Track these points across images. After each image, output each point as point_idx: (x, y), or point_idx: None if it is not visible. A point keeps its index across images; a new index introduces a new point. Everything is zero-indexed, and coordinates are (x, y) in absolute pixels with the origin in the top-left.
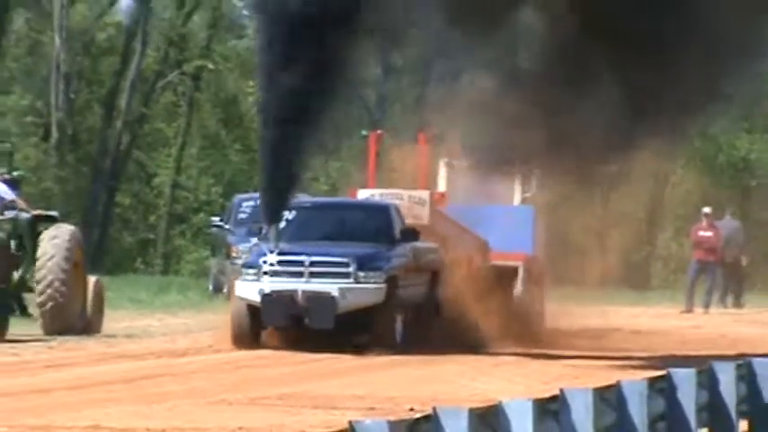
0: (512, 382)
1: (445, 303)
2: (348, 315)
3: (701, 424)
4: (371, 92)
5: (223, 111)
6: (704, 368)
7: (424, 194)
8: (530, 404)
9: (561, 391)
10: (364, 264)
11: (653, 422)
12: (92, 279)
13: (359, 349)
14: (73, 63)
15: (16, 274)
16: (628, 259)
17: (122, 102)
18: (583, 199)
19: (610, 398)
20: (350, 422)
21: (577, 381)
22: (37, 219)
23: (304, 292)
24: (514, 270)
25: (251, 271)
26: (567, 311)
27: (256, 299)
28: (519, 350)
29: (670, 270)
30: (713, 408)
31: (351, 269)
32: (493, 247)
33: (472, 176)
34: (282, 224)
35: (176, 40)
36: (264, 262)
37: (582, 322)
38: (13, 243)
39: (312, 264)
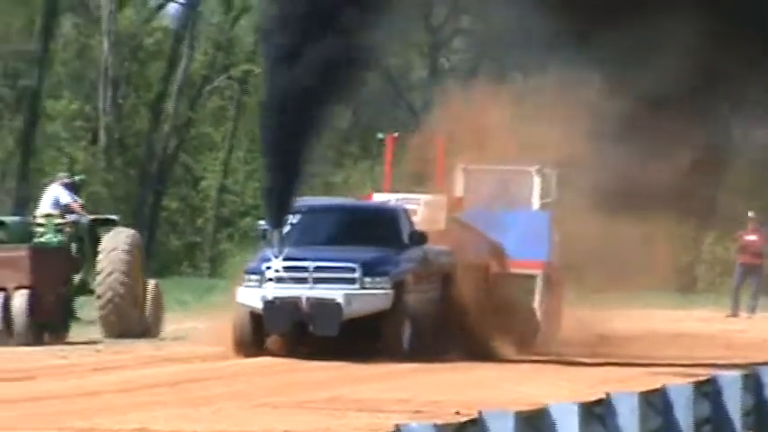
0: (557, 385)
1: (459, 309)
2: (354, 321)
3: (746, 427)
4: (417, 94)
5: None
6: (750, 372)
7: (441, 199)
8: (576, 407)
9: (607, 394)
10: (370, 269)
11: (698, 426)
12: (151, 282)
13: (366, 357)
14: (121, 67)
15: (77, 278)
16: (673, 263)
17: (170, 106)
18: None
19: (656, 402)
20: (396, 425)
21: (623, 385)
22: (96, 222)
23: (308, 298)
24: (531, 278)
25: (253, 277)
26: (606, 317)
27: (259, 305)
28: (563, 355)
29: (716, 273)
30: (759, 411)
31: (356, 275)
32: (510, 254)
33: (490, 181)
34: (287, 228)
35: (224, 44)
36: (268, 268)
37: (625, 327)
38: (73, 246)
39: (316, 269)
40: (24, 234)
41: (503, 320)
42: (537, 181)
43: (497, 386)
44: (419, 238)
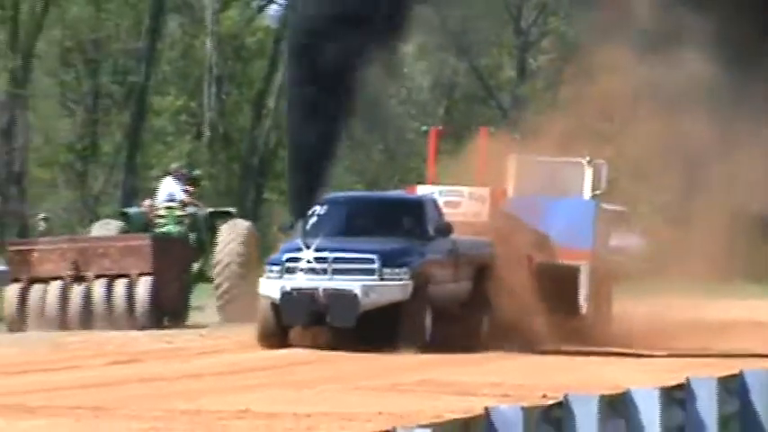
0: (639, 371)
1: (499, 300)
2: (373, 313)
3: None
4: (507, 95)
5: (366, 111)
6: None
7: (485, 191)
8: (657, 392)
9: (687, 379)
10: (389, 260)
11: None
12: None
13: (386, 347)
14: (224, 66)
15: (195, 266)
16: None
17: (271, 102)
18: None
19: (733, 387)
20: (486, 408)
21: (703, 370)
22: (214, 214)
23: (325, 290)
24: (576, 267)
25: (275, 268)
26: (680, 305)
27: (278, 297)
28: (644, 343)
29: None
30: None
31: (375, 266)
32: (556, 243)
33: (541, 172)
34: (313, 219)
35: None
36: (289, 259)
37: (698, 315)
38: (191, 237)
39: (335, 260)
40: (144, 224)
41: (546, 311)
42: (588, 172)
43: (583, 369)
44: (445, 229)
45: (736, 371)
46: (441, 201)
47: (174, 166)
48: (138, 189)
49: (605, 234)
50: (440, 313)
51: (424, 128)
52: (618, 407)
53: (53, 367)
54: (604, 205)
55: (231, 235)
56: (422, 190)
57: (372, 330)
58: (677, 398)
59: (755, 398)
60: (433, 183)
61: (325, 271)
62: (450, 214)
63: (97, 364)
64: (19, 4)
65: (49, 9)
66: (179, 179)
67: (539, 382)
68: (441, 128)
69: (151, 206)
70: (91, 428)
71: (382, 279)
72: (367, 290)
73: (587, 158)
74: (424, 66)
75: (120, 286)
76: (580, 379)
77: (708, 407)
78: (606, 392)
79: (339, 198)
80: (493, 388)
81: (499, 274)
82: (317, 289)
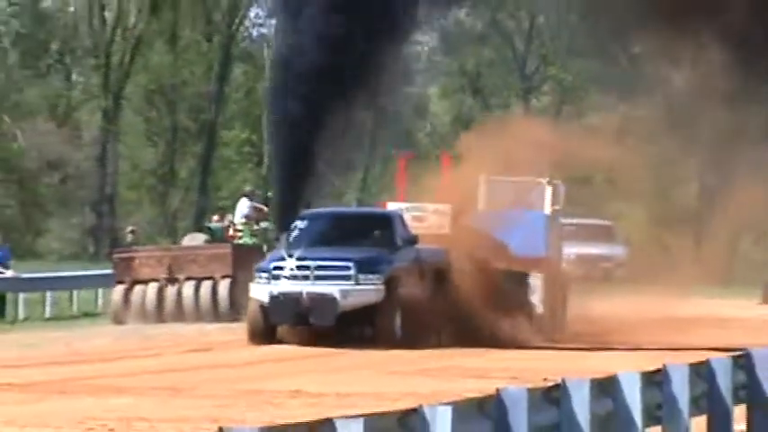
0: (624, 358)
1: (454, 302)
2: (350, 313)
3: None
4: None
5: (399, 140)
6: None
7: (447, 208)
8: (638, 376)
9: (664, 365)
10: (364, 267)
11: (736, 389)
12: None
13: (362, 344)
14: None
15: None
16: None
17: None
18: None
19: (702, 371)
20: (497, 389)
21: (675, 359)
22: None
23: (308, 293)
24: (528, 272)
25: (263, 275)
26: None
27: (266, 300)
28: (628, 336)
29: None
30: None
31: (352, 272)
32: (513, 251)
33: (509, 190)
34: (295, 232)
35: None
36: (275, 267)
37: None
38: (264, 247)
39: (317, 267)
40: (223, 237)
41: (501, 311)
42: (548, 190)
43: (571, 358)
44: (411, 240)
45: (703, 358)
46: (408, 216)
47: (247, 188)
48: (208, 207)
49: (558, 243)
50: (407, 313)
51: (394, 152)
52: (607, 388)
53: (140, 354)
54: (563, 219)
55: None
56: (392, 206)
57: (350, 329)
58: (656, 380)
59: (720, 380)
60: (402, 200)
61: (307, 277)
62: (416, 227)
63: (176, 352)
64: (110, 53)
65: (135, 58)
66: (251, 199)
67: (542, 366)
68: (408, 154)
69: (231, 222)
70: (168, 406)
71: (358, 284)
72: (345, 293)
73: (547, 179)
74: (446, 104)
75: (205, 287)
76: (572, 366)
77: (681, 388)
78: (596, 377)
79: (317, 213)
80: (503, 372)
81: (458, 278)
82: (301, 293)
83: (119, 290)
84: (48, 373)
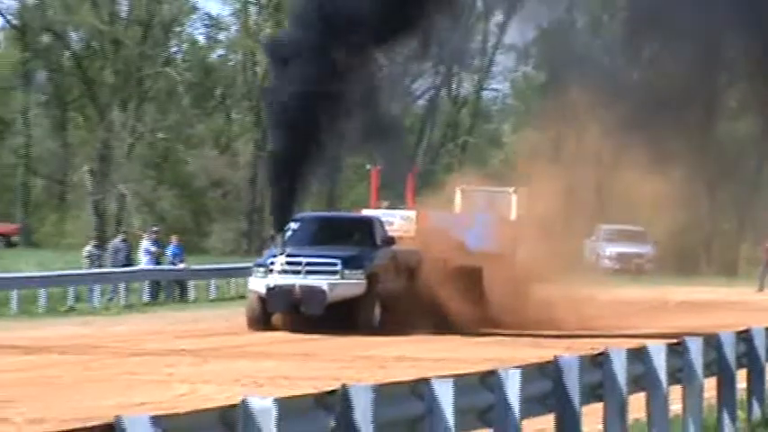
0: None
1: (422, 295)
2: (336, 304)
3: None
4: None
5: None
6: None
7: (412, 214)
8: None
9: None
10: (349, 263)
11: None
12: None
13: (346, 330)
14: None
15: None
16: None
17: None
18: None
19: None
20: (555, 356)
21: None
22: None
23: (300, 286)
24: (481, 267)
25: (261, 269)
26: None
27: (263, 291)
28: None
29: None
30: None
31: (338, 268)
32: (468, 248)
33: (480, 198)
34: (289, 233)
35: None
36: (271, 263)
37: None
38: None
39: (308, 264)
40: None
41: (459, 302)
42: (514, 198)
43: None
44: (389, 241)
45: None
46: (399, 221)
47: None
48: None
49: (514, 241)
50: (385, 304)
51: (368, 167)
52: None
53: (281, 328)
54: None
55: None
56: (366, 212)
57: (336, 317)
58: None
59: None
60: (374, 208)
61: (299, 272)
62: (387, 231)
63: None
64: (261, 98)
65: None
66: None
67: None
68: (379, 167)
69: None
70: (303, 367)
71: (344, 278)
72: (332, 286)
73: (513, 188)
74: (515, 138)
75: None
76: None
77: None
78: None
79: (308, 216)
80: (558, 341)
81: (427, 274)
82: (294, 285)
83: None
84: (212, 341)
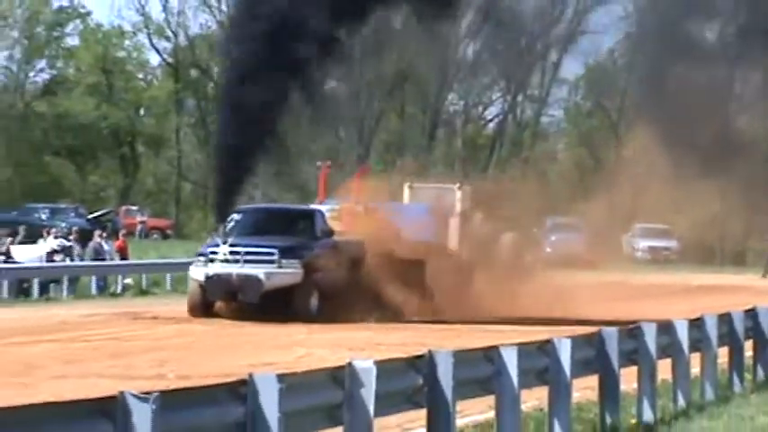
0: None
1: (366, 285)
2: (273, 292)
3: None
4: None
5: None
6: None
7: (359, 207)
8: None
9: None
10: (286, 253)
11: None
12: None
13: (283, 318)
14: None
15: None
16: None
17: None
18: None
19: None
20: (599, 329)
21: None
22: None
23: (238, 275)
24: (423, 259)
25: (201, 258)
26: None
27: (203, 279)
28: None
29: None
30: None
31: (275, 257)
32: (410, 239)
33: (428, 194)
34: (231, 223)
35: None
36: (211, 252)
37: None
38: None
39: (246, 253)
40: None
41: (403, 291)
42: (458, 194)
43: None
44: (328, 232)
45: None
46: (327, 214)
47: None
48: None
49: (458, 233)
50: (323, 293)
51: (318, 164)
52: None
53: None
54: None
55: None
56: (313, 206)
57: (272, 305)
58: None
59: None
60: (321, 202)
61: (237, 261)
62: (333, 224)
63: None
64: (364, 119)
65: (378, 124)
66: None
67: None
68: (328, 165)
69: None
70: (393, 336)
71: (280, 267)
72: (269, 275)
73: (458, 185)
74: (568, 155)
75: None
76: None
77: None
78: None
79: (250, 208)
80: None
81: (370, 265)
82: (231, 274)
83: None
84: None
